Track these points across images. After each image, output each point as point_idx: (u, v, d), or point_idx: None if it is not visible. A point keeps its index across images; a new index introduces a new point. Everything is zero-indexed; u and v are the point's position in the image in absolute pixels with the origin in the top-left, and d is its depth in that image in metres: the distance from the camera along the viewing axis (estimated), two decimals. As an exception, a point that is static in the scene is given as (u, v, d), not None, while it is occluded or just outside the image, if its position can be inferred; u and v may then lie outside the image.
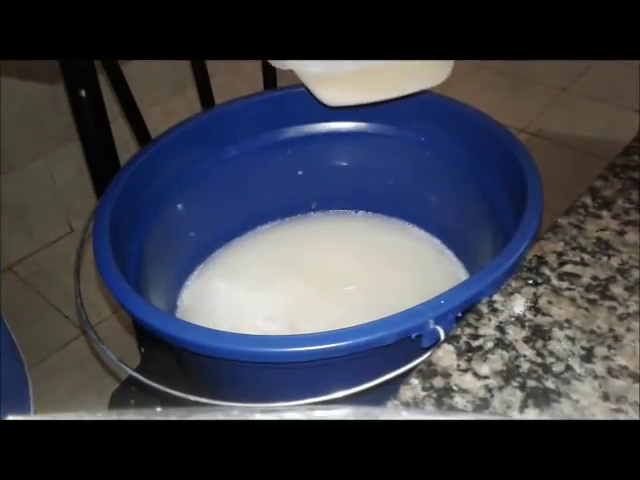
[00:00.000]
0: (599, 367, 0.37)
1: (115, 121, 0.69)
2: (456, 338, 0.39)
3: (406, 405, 0.35)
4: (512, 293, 0.42)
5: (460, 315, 0.43)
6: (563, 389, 0.36)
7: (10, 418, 0.27)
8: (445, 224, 0.71)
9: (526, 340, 0.39)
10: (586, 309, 0.40)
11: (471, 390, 0.36)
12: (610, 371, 0.36)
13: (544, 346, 0.38)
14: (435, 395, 0.36)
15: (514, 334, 0.39)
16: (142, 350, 0.79)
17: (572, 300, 0.41)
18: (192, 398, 0.45)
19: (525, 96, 1.56)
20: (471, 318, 0.41)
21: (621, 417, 0.34)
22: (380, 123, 0.69)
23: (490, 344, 0.39)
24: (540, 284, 0.42)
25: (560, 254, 0.44)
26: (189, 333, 0.45)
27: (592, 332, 0.39)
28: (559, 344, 0.38)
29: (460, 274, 0.67)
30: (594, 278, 0.42)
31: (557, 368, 0.37)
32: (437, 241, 0.71)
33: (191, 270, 0.70)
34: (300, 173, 0.73)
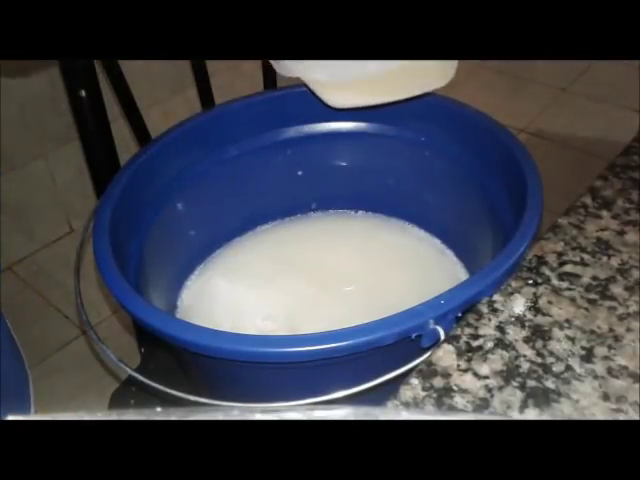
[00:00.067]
0: (599, 367, 0.37)
1: (115, 121, 0.69)
2: (456, 338, 0.39)
3: (406, 405, 0.35)
4: (512, 293, 0.42)
5: (460, 315, 0.43)
6: (563, 389, 0.36)
7: (10, 418, 0.27)
8: (445, 224, 0.71)
9: (526, 340, 0.39)
10: (586, 309, 0.40)
11: (471, 390, 0.36)
12: (610, 371, 0.36)
13: (544, 346, 0.38)
14: (435, 395, 0.36)
15: (514, 334, 0.39)
16: (142, 350, 0.79)
17: (572, 300, 0.41)
18: (192, 398, 0.45)
19: (525, 96, 1.56)
20: (471, 318, 0.41)
21: (621, 417, 0.34)
22: (380, 123, 0.69)
23: (490, 344, 0.39)
24: (540, 284, 0.42)
25: (560, 254, 0.44)
26: (189, 333, 0.45)
27: (592, 332, 0.39)
28: (559, 344, 0.38)
29: (460, 274, 0.67)
30: (594, 278, 0.42)
31: (557, 368, 0.37)
32: (437, 241, 0.71)
33: (191, 270, 0.70)
34: (300, 173, 0.73)
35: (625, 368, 0.37)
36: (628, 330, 0.39)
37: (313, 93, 0.65)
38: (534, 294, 0.42)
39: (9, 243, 1.12)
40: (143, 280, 0.59)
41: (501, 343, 0.39)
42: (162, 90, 1.25)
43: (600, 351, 0.38)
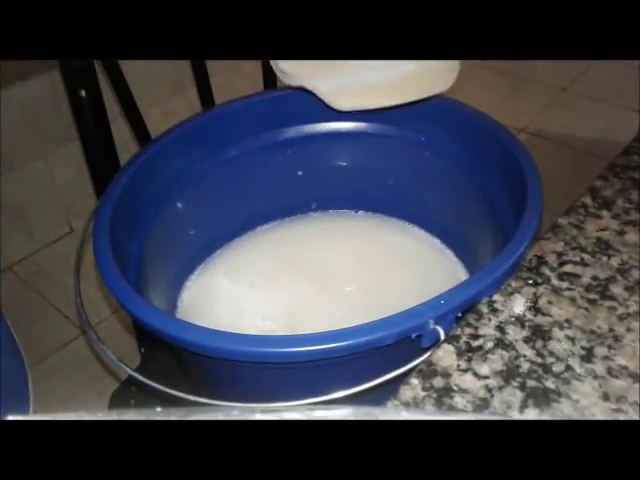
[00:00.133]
0: (599, 367, 0.37)
1: (115, 121, 0.69)
2: (456, 338, 0.39)
3: (406, 405, 0.35)
4: (512, 293, 0.42)
5: (460, 315, 0.43)
6: (563, 389, 0.36)
7: (10, 418, 0.27)
8: (445, 224, 0.71)
9: (526, 340, 0.39)
10: (586, 309, 0.40)
11: (471, 390, 0.36)
12: (610, 371, 0.36)
13: (544, 346, 0.38)
14: (435, 395, 0.36)
15: (514, 334, 0.39)
16: (142, 350, 0.79)
17: (572, 300, 0.41)
18: (192, 398, 0.45)
19: (525, 96, 1.56)
20: (471, 318, 0.41)
21: (621, 417, 0.34)
22: (380, 123, 0.69)
23: (490, 344, 0.39)
24: (540, 284, 0.42)
25: (560, 254, 0.44)
26: (189, 333, 0.45)
27: (592, 332, 0.39)
28: (559, 344, 0.38)
29: (460, 274, 0.67)
30: (594, 278, 0.42)
31: (557, 368, 0.37)
32: (437, 241, 0.71)
33: (191, 270, 0.70)
34: (300, 173, 0.73)
35: (625, 368, 0.37)
36: (628, 330, 0.39)
37: (315, 94, 0.65)
38: (534, 294, 0.42)
39: (9, 243, 1.12)
40: (143, 280, 0.59)
41: (501, 343, 0.39)
42: (162, 90, 1.25)
43: (600, 351, 0.38)
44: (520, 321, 0.40)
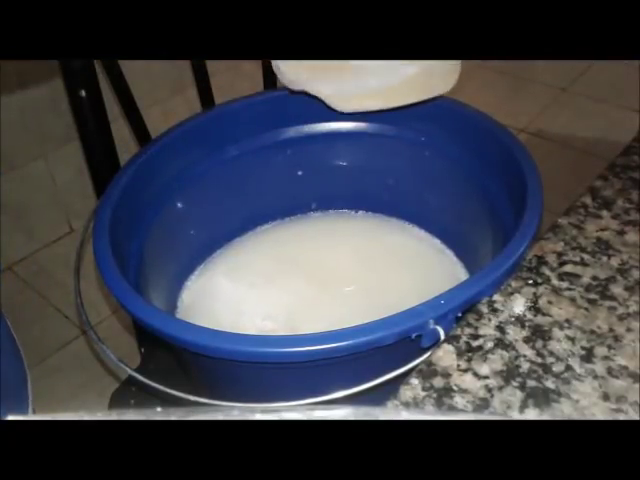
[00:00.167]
0: (599, 367, 0.37)
1: (115, 121, 0.69)
2: (456, 338, 0.39)
3: (406, 405, 0.35)
4: (512, 293, 0.42)
5: (460, 315, 0.43)
6: (563, 389, 0.36)
7: (10, 418, 0.27)
8: (445, 224, 0.71)
9: (526, 340, 0.39)
10: (586, 309, 0.40)
11: (471, 390, 0.36)
12: (610, 371, 0.36)
13: (544, 346, 0.38)
14: (435, 395, 0.36)
15: (514, 334, 0.39)
16: (142, 350, 0.79)
17: (572, 300, 0.41)
18: (192, 398, 0.45)
19: (525, 96, 1.56)
20: (471, 318, 0.41)
21: (621, 417, 0.34)
22: (380, 123, 0.69)
23: (490, 344, 0.39)
24: (540, 284, 0.42)
25: (560, 254, 0.44)
26: (189, 333, 0.45)
27: (592, 332, 0.39)
28: (559, 344, 0.38)
29: (460, 274, 0.67)
30: (594, 278, 0.42)
31: (557, 368, 0.37)
32: (437, 241, 0.71)
33: (191, 270, 0.70)
34: (300, 173, 0.73)
35: (625, 368, 0.37)
36: (628, 330, 0.39)
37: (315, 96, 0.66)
38: (534, 294, 0.42)
39: (9, 243, 1.12)
40: (143, 280, 0.59)
41: (501, 343, 0.39)
42: (162, 90, 1.25)
43: (600, 351, 0.38)
44: (520, 321, 0.40)
